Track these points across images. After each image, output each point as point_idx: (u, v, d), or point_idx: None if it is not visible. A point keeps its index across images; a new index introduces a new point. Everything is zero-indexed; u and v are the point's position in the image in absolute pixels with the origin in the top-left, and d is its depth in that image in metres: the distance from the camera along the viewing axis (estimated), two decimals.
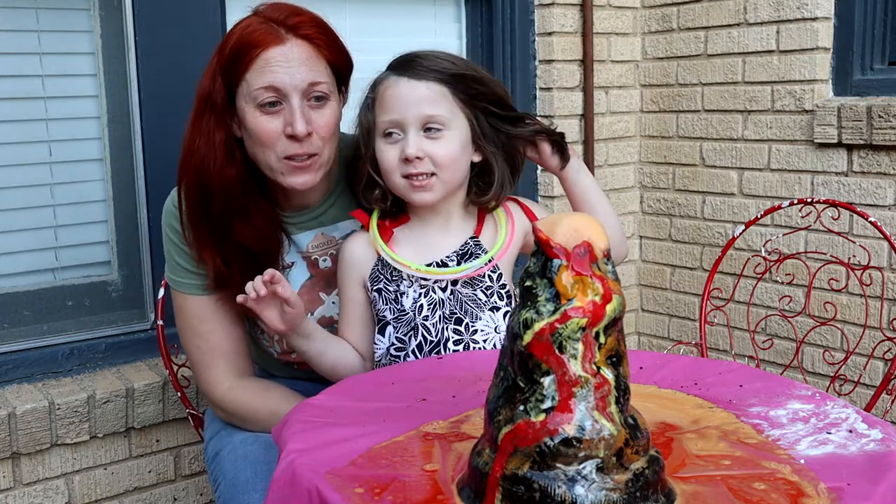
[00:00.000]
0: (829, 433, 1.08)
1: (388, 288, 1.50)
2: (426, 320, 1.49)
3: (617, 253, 1.55)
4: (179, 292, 1.63)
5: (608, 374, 0.90)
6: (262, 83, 1.46)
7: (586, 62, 2.84)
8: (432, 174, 1.45)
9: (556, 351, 0.88)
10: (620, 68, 2.99)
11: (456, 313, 1.49)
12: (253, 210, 1.56)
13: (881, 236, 2.28)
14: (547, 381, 0.88)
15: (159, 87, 2.16)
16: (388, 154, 1.46)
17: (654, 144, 3.03)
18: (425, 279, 1.49)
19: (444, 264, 1.49)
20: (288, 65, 1.46)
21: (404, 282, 1.49)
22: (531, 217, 1.58)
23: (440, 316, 1.49)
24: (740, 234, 2.35)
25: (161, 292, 1.96)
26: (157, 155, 2.18)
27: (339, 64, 1.55)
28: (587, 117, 2.87)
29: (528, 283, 0.92)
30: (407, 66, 1.47)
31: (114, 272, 2.23)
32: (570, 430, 0.87)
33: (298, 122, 1.47)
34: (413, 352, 1.49)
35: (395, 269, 1.49)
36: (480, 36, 2.81)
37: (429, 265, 1.49)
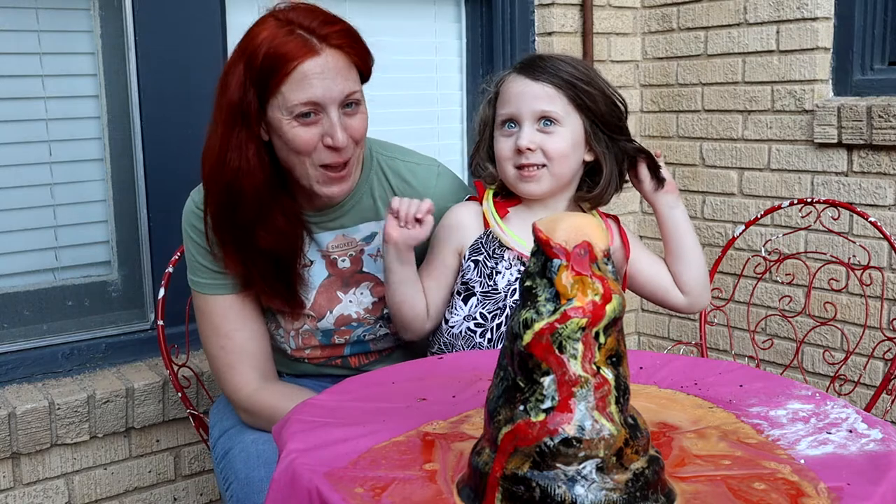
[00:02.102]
0: (829, 433, 1.08)
1: (487, 263, 1.54)
2: (516, 304, 1.50)
3: (699, 302, 1.63)
4: (203, 294, 1.63)
5: (608, 374, 0.90)
6: (300, 99, 1.45)
7: (586, 62, 2.84)
8: (543, 165, 1.52)
9: (556, 351, 0.88)
10: (620, 68, 2.99)
11: None
12: (276, 211, 1.55)
13: (881, 236, 2.28)
14: (547, 381, 0.88)
15: (159, 87, 2.16)
16: (502, 144, 1.55)
17: (655, 144, 3.02)
18: (525, 265, 1.51)
19: None
20: (324, 77, 1.45)
21: (503, 262, 1.53)
22: (624, 241, 1.63)
23: None
24: (740, 234, 2.35)
25: (161, 292, 1.96)
26: (157, 155, 2.17)
27: (367, 67, 1.55)
28: None
29: (528, 283, 0.92)
30: (529, 66, 1.55)
31: (114, 272, 2.23)
32: (569, 429, 0.87)
33: (339, 134, 1.47)
34: (492, 329, 1.52)
35: (498, 246, 1.54)
36: (480, 36, 2.81)
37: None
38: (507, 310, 1.52)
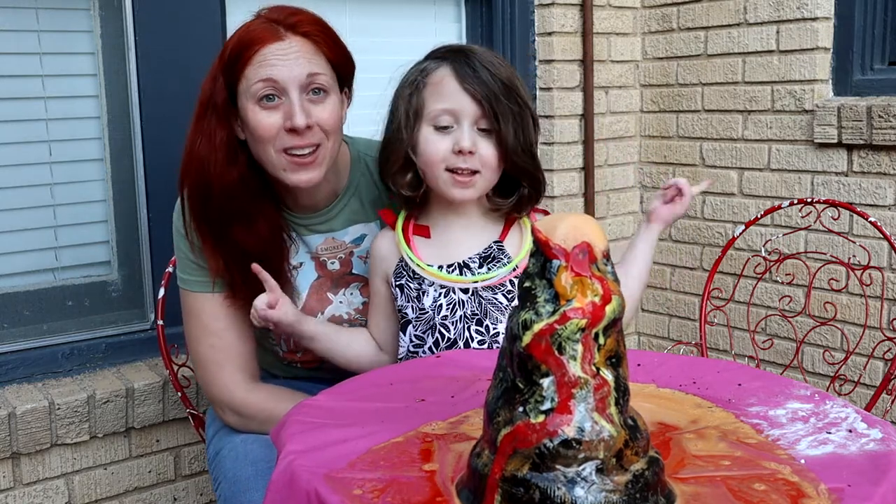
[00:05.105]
0: (829, 433, 1.08)
1: (410, 285, 1.50)
2: (445, 320, 1.48)
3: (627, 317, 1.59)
4: (192, 292, 1.62)
5: (608, 375, 0.89)
6: (259, 76, 1.47)
7: (586, 62, 2.84)
8: (476, 172, 1.44)
9: (556, 352, 0.88)
10: (620, 68, 2.98)
11: (477, 314, 1.48)
12: (256, 215, 1.55)
13: (881, 236, 2.28)
14: (546, 382, 0.88)
15: (159, 87, 2.16)
16: (437, 144, 1.44)
17: (654, 144, 3.02)
18: (444, 285, 1.49)
19: (466, 266, 1.49)
20: (285, 59, 1.47)
21: (426, 281, 1.49)
22: None
23: (461, 316, 1.48)
24: (740, 234, 2.35)
25: (161, 292, 1.96)
26: (157, 155, 2.17)
27: (340, 62, 1.55)
28: (587, 117, 2.87)
29: (527, 284, 0.92)
30: (463, 62, 1.44)
31: (114, 272, 2.23)
32: (569, 431, 0.87)
33: (298, 115, 1.47)
34: (430, 349, 1.49)
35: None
36: (480, 36, 2.80)
37: (450, 266, 1.49)
38: (439, 327, 1.48)
